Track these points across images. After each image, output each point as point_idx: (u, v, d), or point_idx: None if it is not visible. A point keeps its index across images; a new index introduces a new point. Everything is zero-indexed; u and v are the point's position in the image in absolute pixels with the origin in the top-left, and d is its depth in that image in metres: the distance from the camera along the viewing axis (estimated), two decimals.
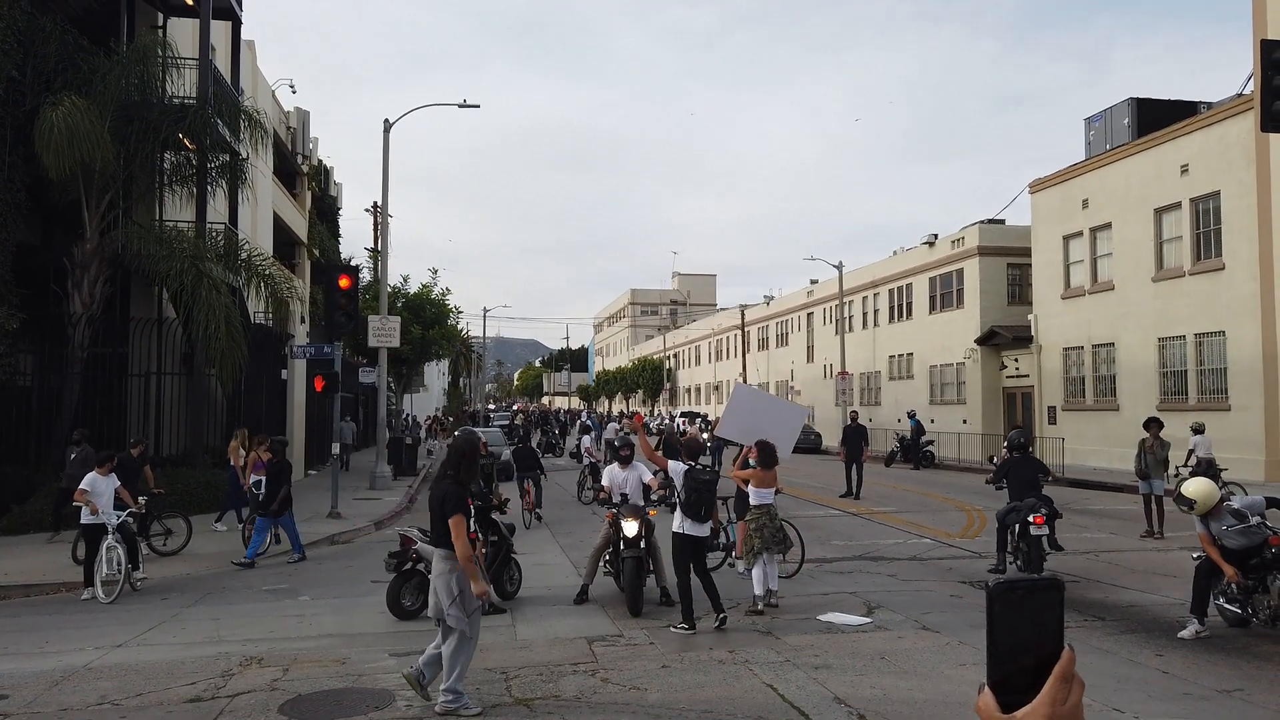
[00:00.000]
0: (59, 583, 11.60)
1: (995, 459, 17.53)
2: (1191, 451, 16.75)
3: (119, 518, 11.10)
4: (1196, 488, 8.49)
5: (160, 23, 20.88)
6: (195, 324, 17.10)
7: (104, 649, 8.33)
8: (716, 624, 8.83)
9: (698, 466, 9.42)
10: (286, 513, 13.29)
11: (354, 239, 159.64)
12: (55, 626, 9.45)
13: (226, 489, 16.36)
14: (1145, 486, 15.00)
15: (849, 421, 22.98)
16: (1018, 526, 11.27)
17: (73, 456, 14.18)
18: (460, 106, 25.70)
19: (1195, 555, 9.13)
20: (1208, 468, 15.88)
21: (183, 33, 21.09)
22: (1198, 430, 17.26)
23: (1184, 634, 8.27)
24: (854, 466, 20.74)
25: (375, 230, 43.94)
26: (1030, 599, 1.01)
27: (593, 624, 9.16)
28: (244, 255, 19.51)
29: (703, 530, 9.09)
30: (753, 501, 10.06)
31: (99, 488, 11.08)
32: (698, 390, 75.21)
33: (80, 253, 17.01)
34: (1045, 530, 11.16)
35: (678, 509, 9.14)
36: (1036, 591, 1.01)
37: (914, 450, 30.97)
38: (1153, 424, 15.34)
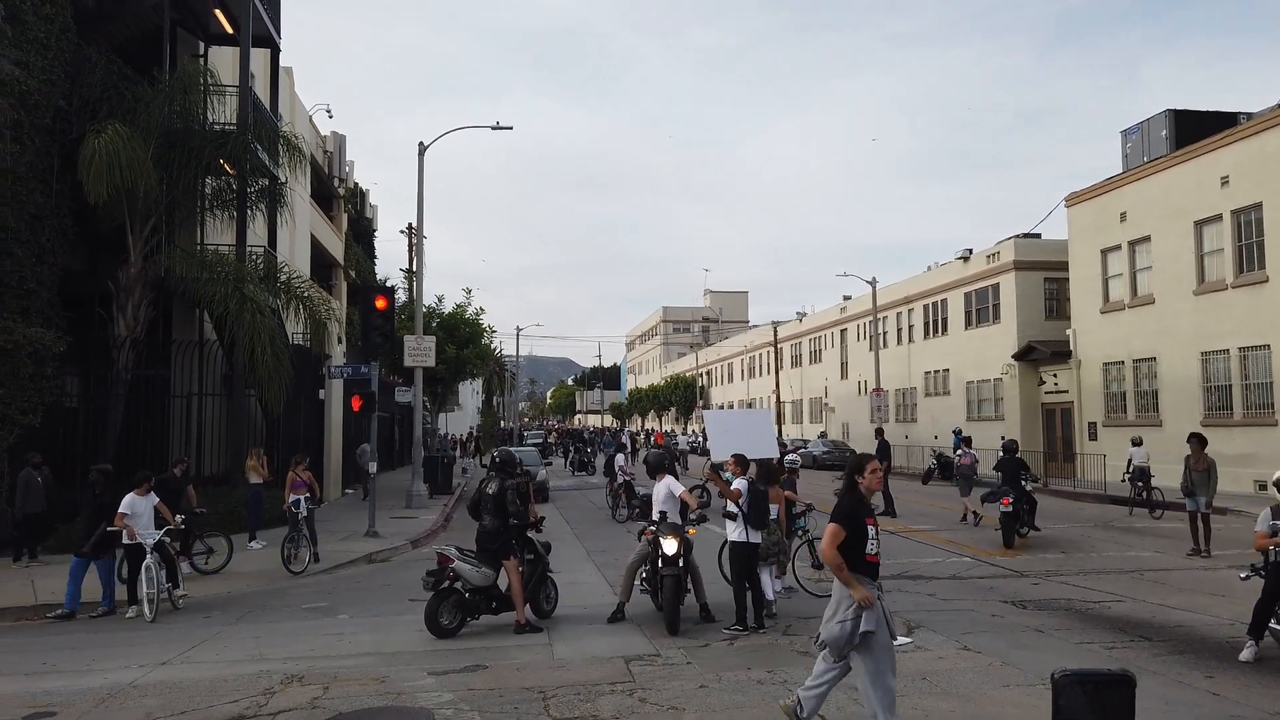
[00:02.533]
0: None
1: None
2: (1130, 460, 20.81)
3: (155, 537, 11.18)
4: None
5: (201, 51, 21.37)
6: (239, 346, 17.39)
7: (148, 667, 8.45)
8: (755, 630, 9.38)
9: (754, 480, 10.06)
10: (105, 556, 11.61)
11: (389, 260, 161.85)
12: (101, 645, 9.60)
13: (249, 507, 16.59)
14: (1191, 504, 14.70)
15: (877, 439, 22.58)
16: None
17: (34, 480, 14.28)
18: (494, 129, 26.02)
19: (1243, 575, 8.93)
20: (1142, 475, 20.26)
21: (223, 60, 21.59)
22: (1136, 443, 21.33)
23: (1243, 656, 8.07)
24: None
25: (410, 251, 44.44)
26: (1101, 693, 0.98)
27: (630, 643, 9.13)
28: (283, 278, 19.81)
29: (758, 539, 9.85)
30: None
31: (137, 509, 11.25)
32: (731, 407, 75.02)
33: (125, 277, 17.38)
34: (1009, 509, 15.55)
35: (739, 519, 9.67)
36: (1108, 686, 0.98)
37: (949, 468, 30.45)
38: (1194, 440, 15.05)
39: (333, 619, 10.70)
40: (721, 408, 77.28)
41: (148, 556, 10.95)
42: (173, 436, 19.02)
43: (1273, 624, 8.32)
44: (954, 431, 32.49)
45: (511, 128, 26.24)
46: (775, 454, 11.91)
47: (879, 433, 23.22)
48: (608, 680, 7.79)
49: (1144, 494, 20.37)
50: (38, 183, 16.37)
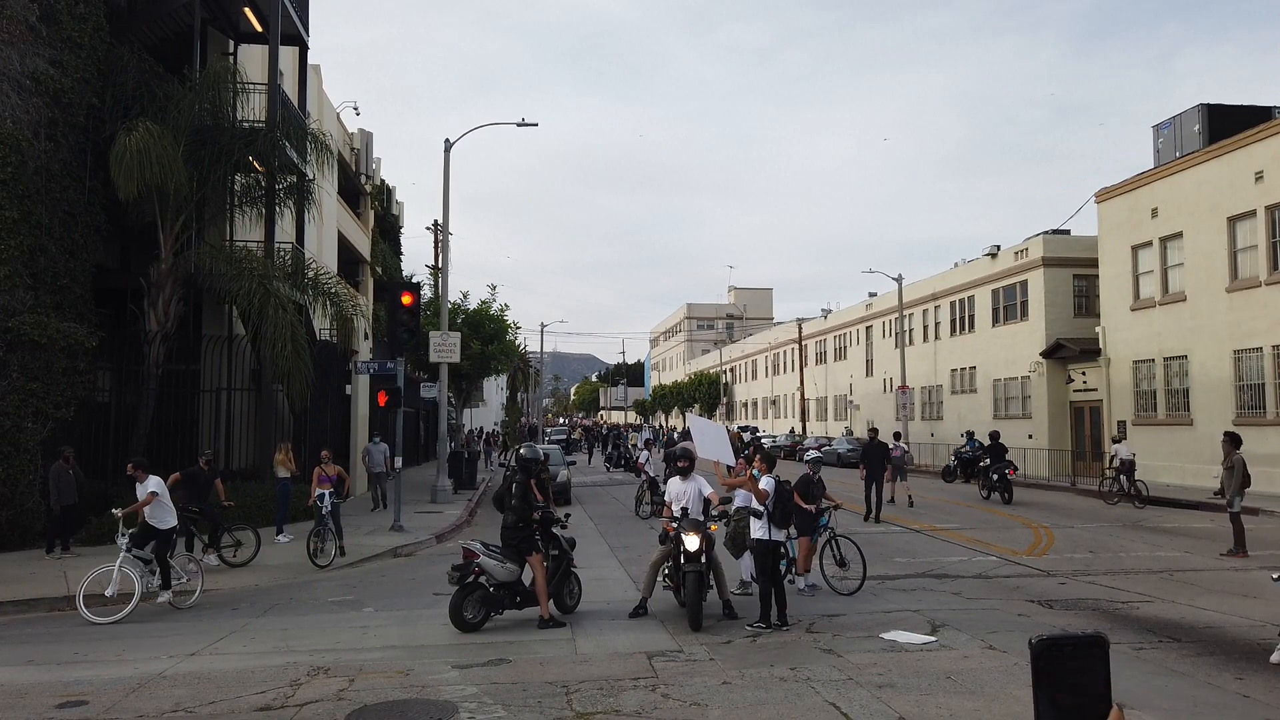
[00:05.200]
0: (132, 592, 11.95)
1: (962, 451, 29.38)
2: (1114, 456, 22.82)
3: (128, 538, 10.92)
4: None
5: (231, 49, 21.61)
6: (264, 341, 17.58)
7: (178, 658, 8.58)
8: (779, 627, 9.45)
9: (781, 479, 10.19)
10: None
11: (415, 257, 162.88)
12: (131, 635, 9.75)
13: (277, 500, 16.77)
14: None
15: (870, 437, 20.63)
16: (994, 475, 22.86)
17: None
18: (519, 125, 26.12)
19: (1275, 575, 8.79)
20: (1129, 469, 22.21)
21: (252, 58, 21.81)
22: (1118, 439, 24.25)
23: (1275, 658, 7.95)
24: (873, 486, 18.93)
25: (436, 248, 44.70)
26: (1075, 655, 0.98)
27: (652, 639, 9.15)
28: (310, 274, 20.00)
29: (782, 536, 10.08)
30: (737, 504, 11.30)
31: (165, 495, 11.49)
32: (755, 404, 74.79)
33: (156, 273, 17.61)
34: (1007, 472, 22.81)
35: (764, 518, 9.80)
36: (1081, 648, 0.99)
37: (970, 466, 30.20)
38: (1225, 438, 14.84)
39: (358, 612, 10.81)
40: (745, 405, 77.18)
41: (123, 554, 10.80)
42: (202, 430, 19.27)
43: None
44: (967, 433, 32.14)
45: (537, 124, 26.36)
46: (733, 459, 12.52)
47: (873, 433, 20.98)
48: (630, 675, 7.81)
49: (1129, 487, 22.04)
50: (71, 180, 16.62)
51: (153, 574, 11.12)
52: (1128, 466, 22.27)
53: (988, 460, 24.20)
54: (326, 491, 14.65)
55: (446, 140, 25.30)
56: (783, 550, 11.06)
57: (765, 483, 10.01)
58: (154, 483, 11.40)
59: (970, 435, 31.67)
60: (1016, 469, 24.27)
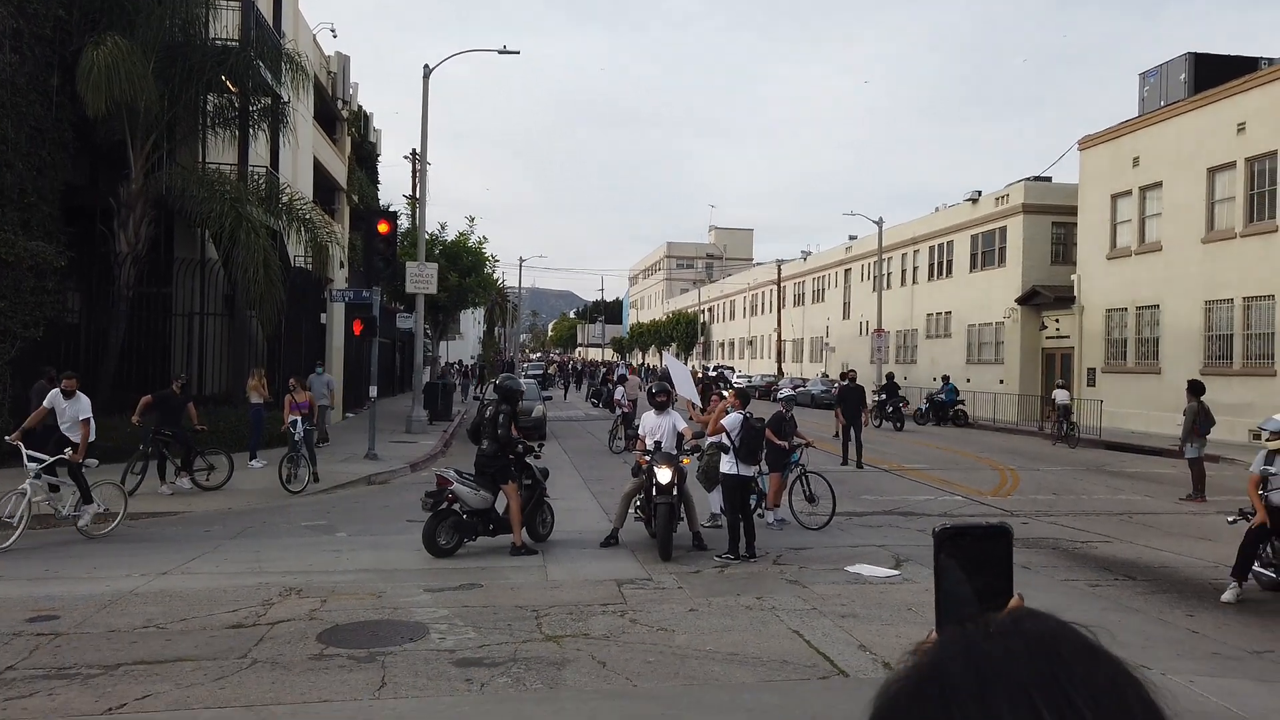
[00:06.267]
0: (105, 512, 11.96)
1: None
2: (1053, 401, 24.80)
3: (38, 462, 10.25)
4: None
5: None
6: (235, 266, 17.35)
7: (149, 576, 8.62)
8: (746, 558, 9.65)
9: (750, 415, 10.22)
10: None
11: (393, 186, 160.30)
12: (103, 554, 9.78)
13: (250, 426, 16.74)
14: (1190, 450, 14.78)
15: (844, 380, 19.83)
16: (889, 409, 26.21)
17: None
18: (500, 53, 25.58)
19: (1230, 519, 9.04)
20: (1066, 413, 24.03)
21: None
22: (1059, 386, 25.57)
23: (1225, 597, 8.20)
24: (850, 431, 18.13)
25: (414, 177, 43.96)
26: (979, 545, 1.00)
27: (623, 567, 9.30)
28: (284, 199, 19.65)
29: (751, 472, 10.18)
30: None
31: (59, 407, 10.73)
32: (732, 344, 75.08)
33: (125, 193, 17.25)
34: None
35: (731, 453, 9.93)
36: (985, 538, 1.00)
37: (942, 410, 30.75)
38: (1189, 386, 15.11)
39: (331, 537, 10.88)
40: (722, 345, 77.47)
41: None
42: (175, 355, 19.09)
43: (1257, 567, 8.45)
44: (942, 378, 32.59)
45: (518, 52, 25.83)
46: (698, 400, 13.11)
47: (851, 376, 20.13)
48: (600, 601, 7.95)
49: (1064, 428, 24.10)
50: (37, 94, 16.13)
51: (73, 494, 10.56)
52: (1063, 411, 24.10)
53: (884, 396, 29.34)
54: (299, 418, 14.62)
55: (426, 66, 24.74)
56: (753, 485, 11.24)
57: (730, 419, 10.11)
58: (87, 405, 10.87)
59: (945, 379, 32.10)
60: (908, 403, 30.51)
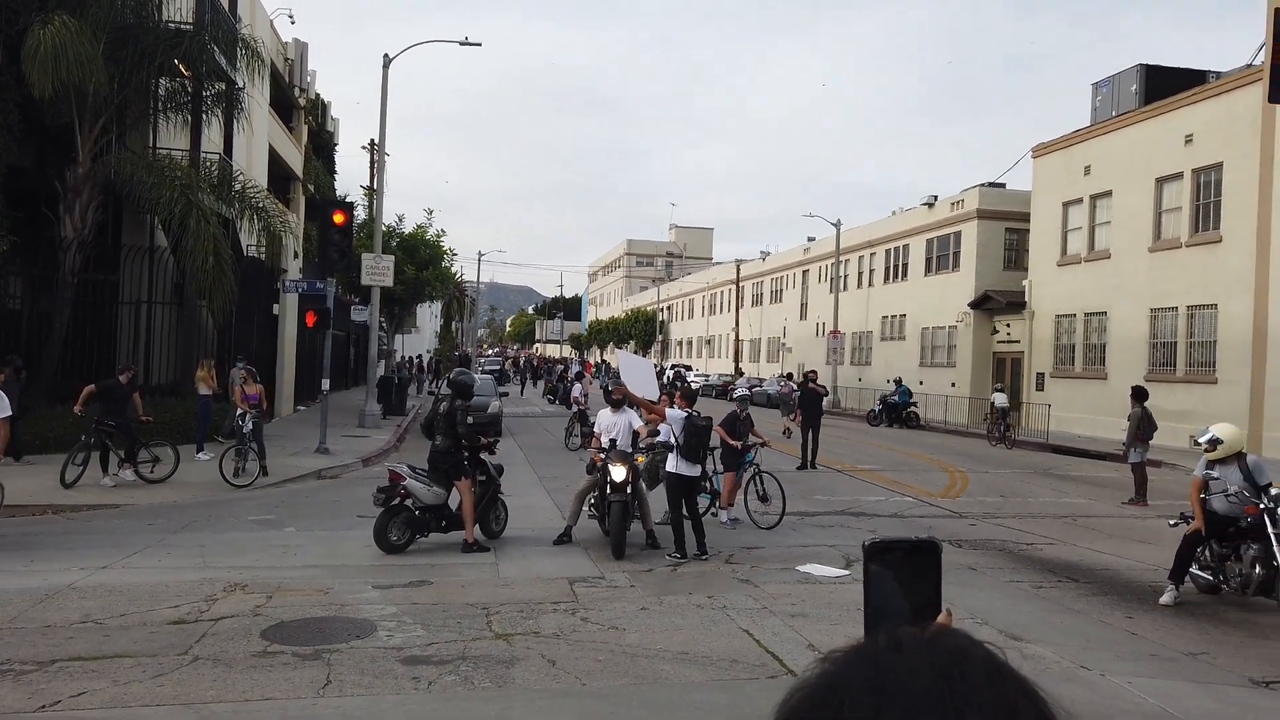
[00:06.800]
0: (45, 504, 11.68)
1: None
2: (992, 404, 25.70)
3: None
4: (1230, 430, 8.49)
5: None
6: (184, 253, 17.00)
7: (89, 570, 8.41)
8: (697, 557, 9.64)
9: (696, 414, 10.14)
10: None
11: (350, 177, 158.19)
12: (41, 546, 9.52)
13: (197, 418, 16.40)
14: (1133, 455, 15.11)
15: (805, 381, 19.71)
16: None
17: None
18: (461, 44, 25.32)
19: (1172, 522, 9.25)
20: (1003, 415, 25.00)
21: None
22: (998, 390, 26.49)
23: (1163, 599, 8.39)
24: (809, 433, 18.05)
25: (372, 168, 43.42)
26: (909, 559, 1.00)
27: (575, 565, 9.27)
28: (238, 187, 19.30)
29: (695, 471, 10.04)
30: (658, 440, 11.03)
31: None
32: (690, 343, 75.29)
33: (72, 177, 16.81)
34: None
35: (674, 452, 9.89)
36: (914, 552, 1.00)
37: (895, 411, 31.20)
38: (1132, 392, 15.47)
39: (279, 532, 10.71)
40: (680, 343, 77.69)
41: None
42: (121, 343, 18.65)
43: (1195, 570, 8.67)
44: (895, 380, 33.08)
45: (480, 44, 25.57)
46: (657, 395, 12.87)
47: (810, 376, 19.73)
48: (551, 599, 7.92)
49: (1002, 430, 24.90)
50: None
51: None
52: (1000, 413, 25.15)
53: (799, 395, 28.06)
54: (248, 410, 14.37)
55: (385, 55, 24.43)
56: (706, 485, 11.28)
57: (672, 414, 10.10)
58: (6, 405, 9.95)
59: (899, 382, 32.53)
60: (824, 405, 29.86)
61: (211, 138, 20.59)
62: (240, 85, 19.56)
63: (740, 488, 11.93)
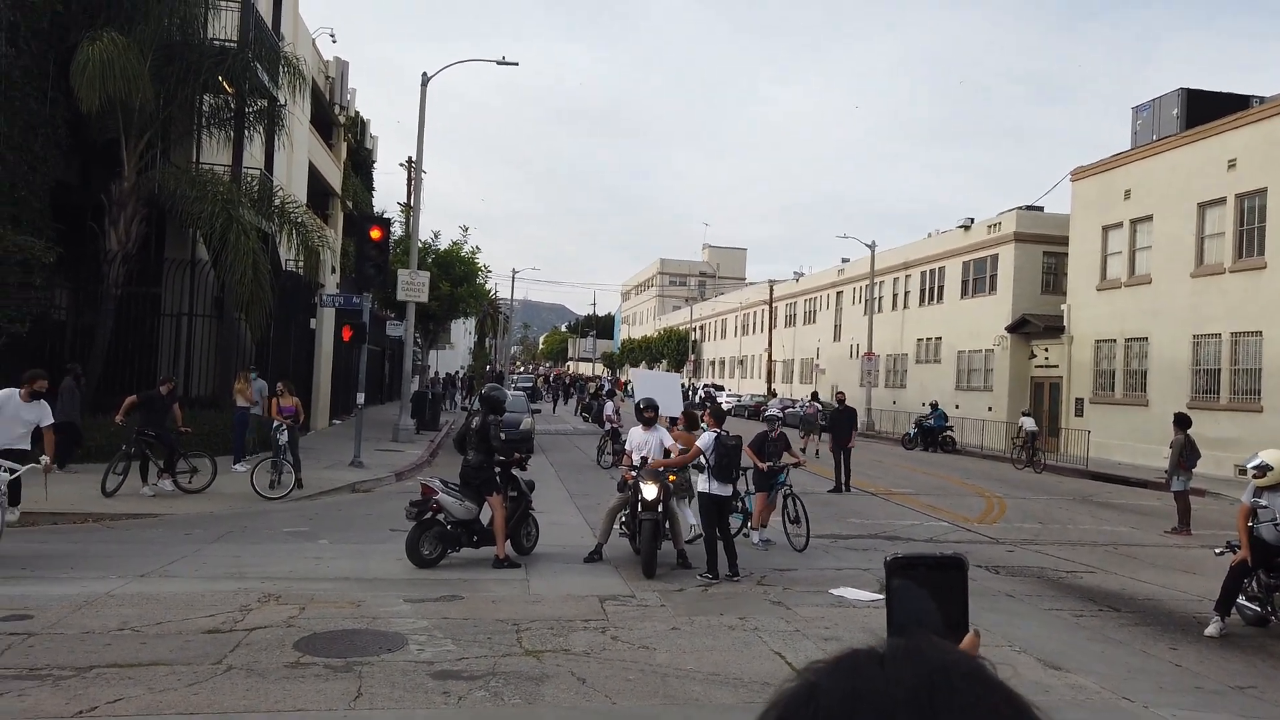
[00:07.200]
0: (86, 513, 11.85)
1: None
2: (1020, 429, 25.82)
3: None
4: (1277, 456, 8.28)
5: None
6: (224, 267, 17.27)
7: (126, 578, 8.50)
8: (729, 578, 9.52)
9: (726, 434, 10.09)
10: None
11: (387, 193, 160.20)
12: (81, 554, 9.64)
13: (234, 430, 16.60)
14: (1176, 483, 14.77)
15: (836, 403, 20.04)
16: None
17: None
18: (499, 64, 25.61)
19: (1218, 551, 9.03)
20: (1031, 439, 25.12)
21: None
22: (1025, 414, 26.73)
23: (1209, 631, 8.17)
24: (842, 455, 17.86)
25: (408, 185, 43.95)
26: (933, 575, 0.94)
27: (606, 583, 9.23)
28: (277, 202, 19.59)
29: (726, 490, 9.96)
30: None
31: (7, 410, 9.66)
32: (722, 363, 75.08)
33: (117, 191, 17.15)
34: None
35: (705, 471, 9.80)
36: (938, 568, 0.94)
37: (930, 435, 30.85)
38: (1175, 419, 15.16)
39: (313, 544, 10.77)
40: (713, 363, 77.54)
41: None
42: (162, 355, 18.94)
43: (1242, 601, 8.44)
44: (930, 404, 32.70)
45: (517, 64, 25.85)
46: (680, 410, 13.15)
47: (840, 398, 20.30)
48: (581, 617, 7.88)
49: (1031, 455, 24.99)
50: (32, 89, 16.05)
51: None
52: (1029, 438, 25.23)
53: (829, 416, 26.83)
54: (284, 422, 14.52)
55: (424, 74, 24.76)
56: (737, 504, 11.20)
57: (704, 438, 10.09)
58: (49, 412, 10.00)
59: (934, 405, 32.16)
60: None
61: (253, 153, 20.94)
62: (282, 102, 19.91)
63: (774, 508, 11.82)
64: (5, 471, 9.18)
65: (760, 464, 11.63)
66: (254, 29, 19.12)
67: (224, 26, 19.08)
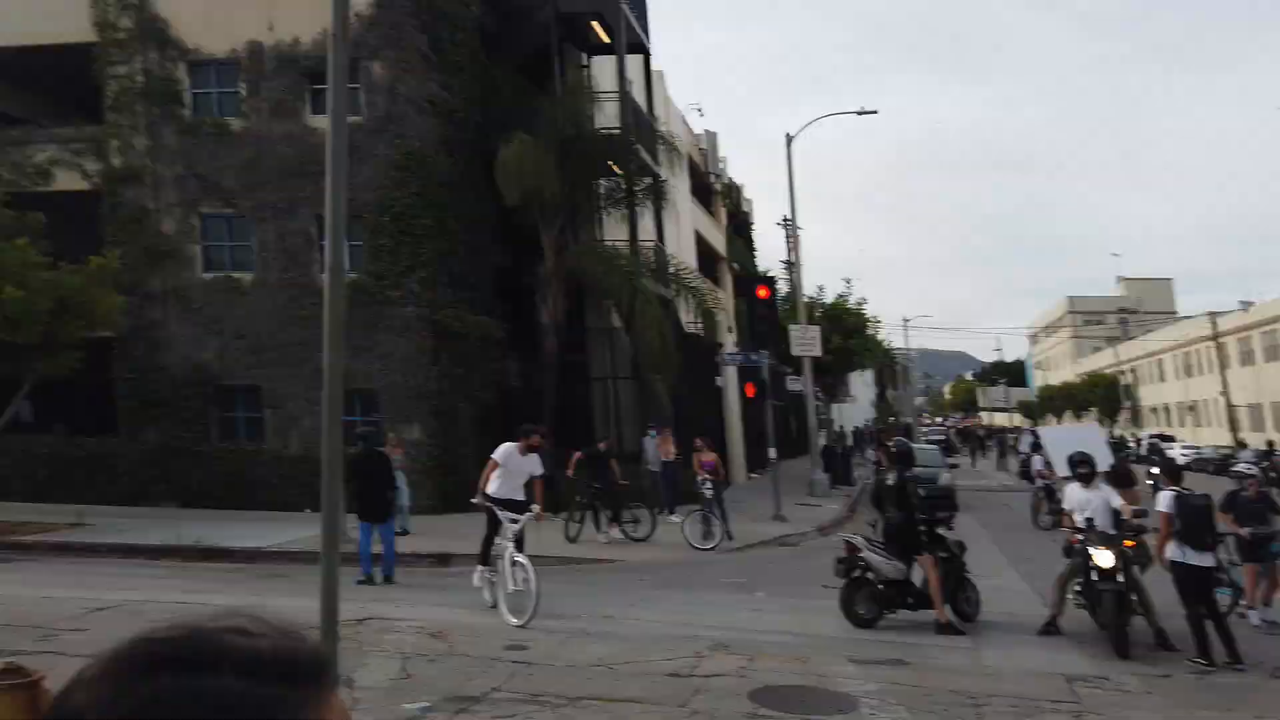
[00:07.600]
0: (557, 556, 12.76)
1: None
2: None
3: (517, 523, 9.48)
4: None
5: (584, 62, 23.17)
6: (635, 333, 18.76)
7: (595, 618, 9.34)
8: (1230, 665, 8.12)
9: (1186, 491, 8.97)
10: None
11: (767, 253, 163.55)
12: (560, 594, 9.90)
13: (663, 483, 17.62)
14: None
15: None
16: None
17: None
18: (858, 114, 25.51)
19: None
20: None
21: (602, 70, 23.16)
22: None
23: None
24: None
25: (786, 242, 44.89)
26: None
27: (1068, 660, 8.31)
28: (672, 269, 21.00)
29: (1205, 560, 8.60)
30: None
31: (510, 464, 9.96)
32: (1166, 410, 65.99)
33: (542, 271, 19.48)
34: None
35: (1174, 538, 8.70)
36: None
37: None
38: None
39: (750, 595, 11.08)
40: (1153, 410, 68.77)
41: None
42: (594, 415, 20.91)
43: None
44: None
45: (876, 112, 25.59)
46: (1109, 463, 12.09)
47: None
48: (1047, 697, 7.16)
49: None
50: (469, 190, 18.69)
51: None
52: None
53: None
54: (707, 477, 15.24)
55: (787, 134, 25.21)
56: (1221, 577, 9.56)
57: (1163, 497, 8.91)
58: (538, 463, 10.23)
59: None
60: None
61: (645, 227, 22.65)
62: (664, 178, 21.42)
63: (1276, 584, 9.93)
64: (510, 521, 9.73)
65: (1238, 530, 9.87)
66: (632, 115, 20.81)
67: (607, 117, 20.97)
